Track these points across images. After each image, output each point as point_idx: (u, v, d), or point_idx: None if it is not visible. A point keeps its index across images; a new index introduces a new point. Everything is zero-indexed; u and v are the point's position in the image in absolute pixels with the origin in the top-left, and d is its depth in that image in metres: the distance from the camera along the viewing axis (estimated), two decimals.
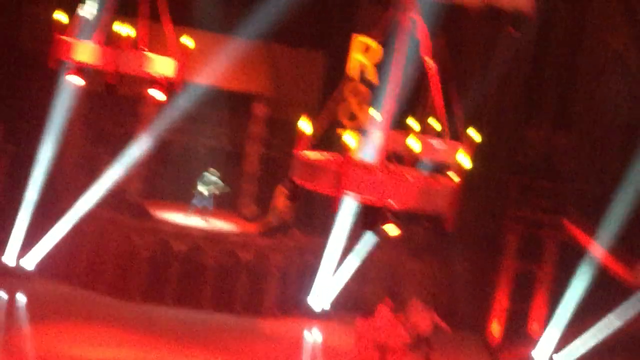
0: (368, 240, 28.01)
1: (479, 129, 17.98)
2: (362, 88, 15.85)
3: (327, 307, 27.67)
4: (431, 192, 14.84)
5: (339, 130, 15.23)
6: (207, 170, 27.97)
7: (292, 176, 14.60)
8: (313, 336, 26.53)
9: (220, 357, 22.54)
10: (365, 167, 14.95)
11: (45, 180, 26.86)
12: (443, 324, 23.89)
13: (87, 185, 27.08)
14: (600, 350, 25.68)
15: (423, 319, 23.77)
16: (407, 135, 17.19)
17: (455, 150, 16.48)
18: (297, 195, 14.98)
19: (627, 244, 26.33)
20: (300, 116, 14.79)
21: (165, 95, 18.66)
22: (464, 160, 15.06)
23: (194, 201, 27.83)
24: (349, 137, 14.22)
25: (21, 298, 25.08)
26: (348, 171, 14.07)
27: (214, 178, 27.83)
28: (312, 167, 14.53)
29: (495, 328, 27.51)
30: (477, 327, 28.00)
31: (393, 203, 14.36)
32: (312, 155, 14.83)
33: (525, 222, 27.42)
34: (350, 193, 14.23)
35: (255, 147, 29.42)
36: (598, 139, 28.06)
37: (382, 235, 16.21)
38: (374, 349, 22.36)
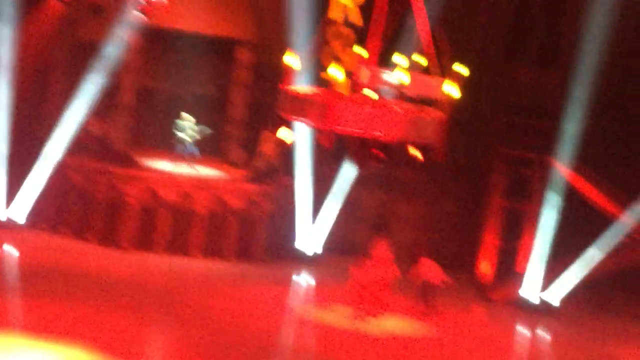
0: (355, 182, 28.07)
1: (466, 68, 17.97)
2: (345, 30, 15.78)
3: (317, 250, 27.73)
4: (419, 123, 14.85)
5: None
6: (179, 117, 27.76)
7: (280, 110, 14.55)
8: (303, 279, 26.61)
9: (212, 303, 22.56)
10: (352, 99, 14.89)
11: (28, 132, 26.67)
12: (447, 278, 23.90)
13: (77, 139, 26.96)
14: (587, 284, 25.88)
15: (432, 275, 23.82)
16: (394, 70, 17.11)
17: (442, 85, 16.45)
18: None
19: (611, 179, 26.48)
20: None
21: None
22: (452, 90, 15.03)
23: (178, 149, 27.72)
24: (335, 71, 14.16)
25: (11, 250, 25.05)
26: (335, 104, 14.00)
27: (188, 123, 27.63)
28: (300, 101, 14.47)
29: (485, 267, 27.64)
30: (467, 266, 28.11)
31: (381, 134, 14.35)
32: (300, 89, 14.75)
33: (513, 161, 27.45)
34: (338, 126, 14.20)
35: (240, 93, 29.31)
36: (585, 76, 28.01)
37: (369, 171, 16.26)
38: (369, 288, 22.45)
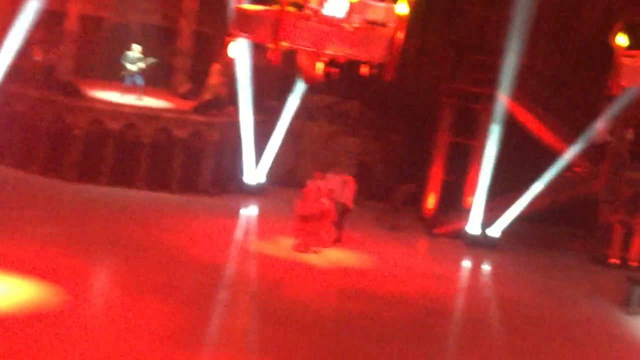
0: (301, 114, 28.06)
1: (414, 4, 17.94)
2: None
3: (261, 181, 27.71)
4: (369, 40, 14.84)
5: None
6: (126, 47, 27.44)
7: (231, 29, 14.49)
8: (248, 212, 26.66)
9: (157, 235, 22.54)
10: (302, 16, 14.84)
11: None
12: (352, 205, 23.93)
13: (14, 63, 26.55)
14: (528, 218, 26.20)
15: (343, 189, 23.85)
16: None
17: (392, 9, 16.46)
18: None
19: (556, 114, 26.70)
20: None
21: None
22: (402, 8, 14.98)
23: (125, 79, 27.43)
24: None
25: None
26: (285, 20, 13.94)
27: (134, 53, 27.31)
28: (251, 18, 14.40)
29: (430, 201, 27.81)
30: (413, 200, 28.27)
31: (331, 51, 14.34)
32: (251, 7, 14.68)
33: (459, 96, 27.52)
34: (288, 42, 14.17)
35: (188, 23, 29.01)
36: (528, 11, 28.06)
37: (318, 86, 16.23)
38: (310, 221, 22.60)
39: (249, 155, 27.57)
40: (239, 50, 16.88)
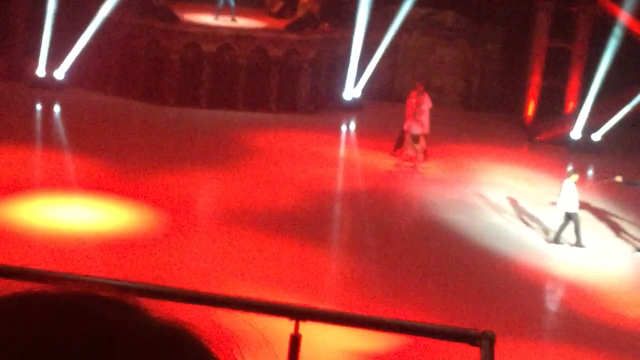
0: (397, 28, 27.74)
1: None
2: None
3: (359, 97, 27.58)
4: None
5: None
6: None
7: None
8: (348, 126, 26.64)
9: (258, 152, 22.71)
10: None
11: None
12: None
13: None
14: (633, 124, 25.62)
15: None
16: None
17: None
18: None
19: None
20: None
21: None
22: None
23: (219, 2, 27.48)
24: None
25: (56, 108, 25.35)
26: None
27: None
28: None
29: (531, 107, 27.39)
30: (512, 107, 27.95)
31: None
32: None
33: None
34: None
35: None
36: None
37: None
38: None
39: (345, 72, 27.44)
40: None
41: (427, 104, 22.76)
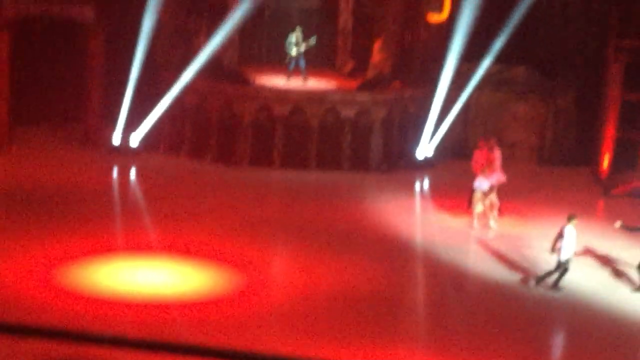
0: (469, 85, 27.71)
1: None
2: None
3: (431, 155, 27.49)
4: None
5: None
6: (287, 33, 27.76)
7: None
8: (422, 185, 26.54)
9: (331, 213, 22.73)
10: None
11: (144, 58, 27.00)
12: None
13: (184, 58, 27.33)
14: None
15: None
16: None
17: None
18: None
19: None
20: None
21: None
22: None
23: (290, 64, 27.76)
24: None
25: (132, 173, 25.72)
26: None
27: (295, 37, 27.50)
28: None
29: (606, 161, 27.07)
30: (587, 161, 27.71)
31: None
32: None
33: (628, 51, 26.67)
34: None
35: (347, 3, 29.14)
36: None
37: None
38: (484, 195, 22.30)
39: (417, 130, 27.40)
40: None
41: (498, 159, 22.67)
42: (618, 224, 19.32)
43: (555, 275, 18.36)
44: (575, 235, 18.35)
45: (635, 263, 18.93)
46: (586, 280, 19.11)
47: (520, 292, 18.44)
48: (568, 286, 18.50)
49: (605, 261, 20.24)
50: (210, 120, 26.97)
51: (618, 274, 19.53)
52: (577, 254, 18.99)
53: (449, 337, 16.24)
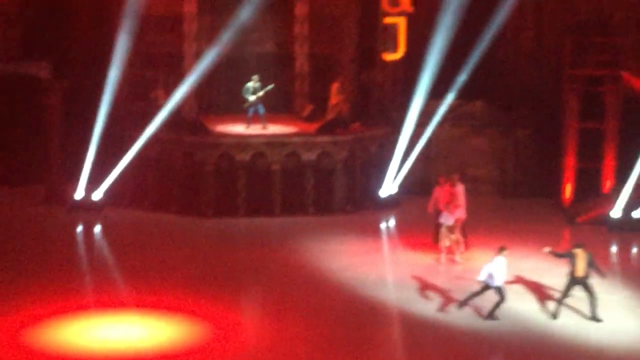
0: (426, 119, 27.88)
1: None
2: None
3: (395, 193, 27.57)
4: None
5: None
6: (243, 80, 27.81)
7: None
8: (387, 224, 26.56)
9: (298, 258, 22.71)
10: None
11: (104, 112, 26.95)
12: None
13: (144, 111, 27.30)
14: None
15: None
16: None
17: None
18: None
19: None
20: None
21: None
22: None
23: (248, 111, 27.77)
24: None
25: (96, 228, 25.54)
26: None
27: (256, 84, 27.55)
28: None
29: (568, 190, 27.28)
30: (549, 191, 27.90)
31: None
32: None
33: (583, 80, 26.98)
34: None
35: (302, 47, 29.27)
36: None
37: None
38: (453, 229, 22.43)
39: (379, 170, 27.52)
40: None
41: (462, 194, 22.78)
42: (547, 249, 19.58)
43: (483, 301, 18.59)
44: (506, 265, 18.66)
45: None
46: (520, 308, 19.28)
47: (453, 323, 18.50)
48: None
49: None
50: (173, 171, 26.90)
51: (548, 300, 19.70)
52: (507, 283, 19.16)
53: None
